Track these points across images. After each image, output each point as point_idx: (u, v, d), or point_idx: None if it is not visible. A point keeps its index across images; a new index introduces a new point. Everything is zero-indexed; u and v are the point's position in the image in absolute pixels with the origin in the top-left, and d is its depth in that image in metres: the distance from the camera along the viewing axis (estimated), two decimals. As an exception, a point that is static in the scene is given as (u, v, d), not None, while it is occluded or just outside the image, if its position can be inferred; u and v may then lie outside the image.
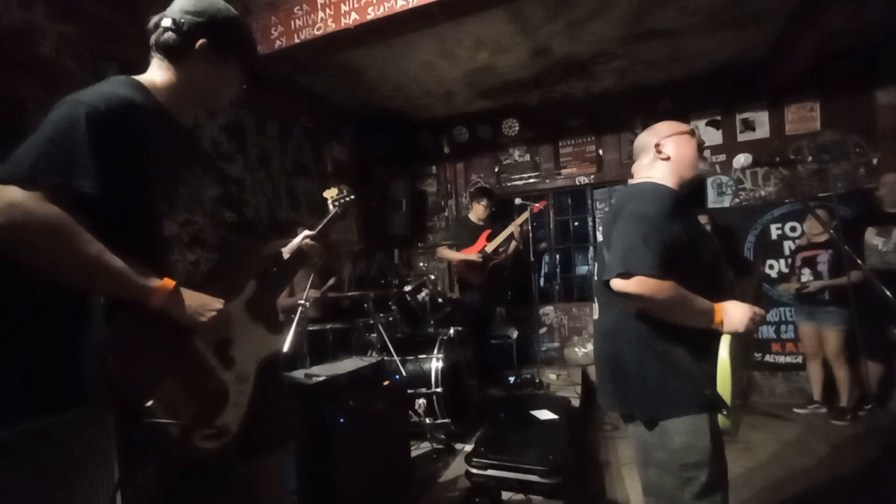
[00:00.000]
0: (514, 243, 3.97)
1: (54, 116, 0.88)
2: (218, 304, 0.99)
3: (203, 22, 1.06)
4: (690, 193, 1.42)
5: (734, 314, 1.20)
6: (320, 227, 1.47)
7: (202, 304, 0.96)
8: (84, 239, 0.84)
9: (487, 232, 3.98)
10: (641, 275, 1.15)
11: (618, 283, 1.19)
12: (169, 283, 0.91)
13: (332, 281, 3.22)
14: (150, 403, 0.85)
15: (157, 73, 1.08)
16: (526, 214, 3.92)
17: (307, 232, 1.44)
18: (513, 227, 3.89)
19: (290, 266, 1.40)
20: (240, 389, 1.05)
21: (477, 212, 4.10)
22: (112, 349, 0.88)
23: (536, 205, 3.98)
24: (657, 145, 1.39)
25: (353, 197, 1.63)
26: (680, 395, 1.22)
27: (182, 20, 1.04)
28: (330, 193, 1.60)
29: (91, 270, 0.85)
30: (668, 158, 1.38)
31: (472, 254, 3.89)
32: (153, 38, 1.07)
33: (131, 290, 0.88)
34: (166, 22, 1.05)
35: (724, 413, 1.18)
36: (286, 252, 1.41)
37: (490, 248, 3.89)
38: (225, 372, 1.03)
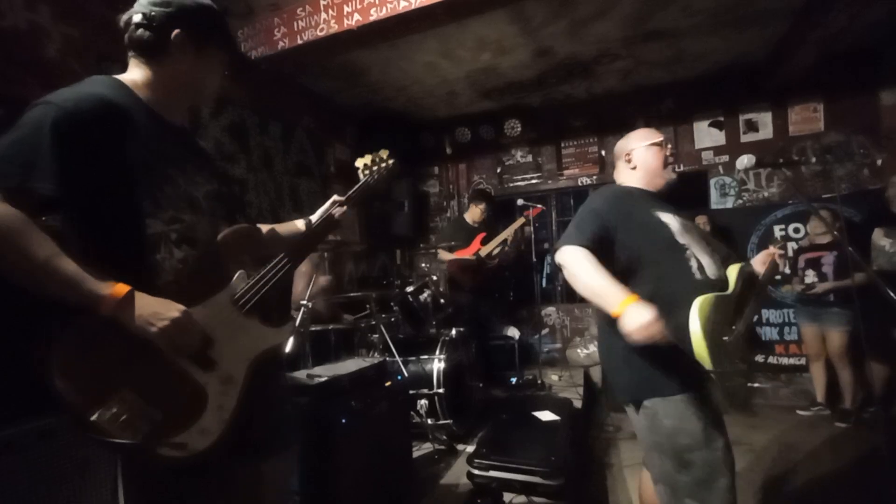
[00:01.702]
0: (506, 248, 3.96)
1: (23, 119, 0.87)
2: (174, 312, 0.90)
3: (173, 12, 1.02)
4: (691, 194, 1.45)
5: (630, 319, 1.17)
6: (351, 192, 1.37)
7: (154, 313, 0.88)
8: (35, 240, 0.81)
9: (482, 235, 3.97)
10: (563, 245, 1.33)
11: (556, 256, 1.37)
12: (120, 290, 0.86)
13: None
14: (95, 417, 0.80)
15: (136, 71, 1.05)
16: (521, 220, 3.92)
17: (336, 197, 1.37)
18: (507, 233, 3.88)
19: (319, 233, 1.33)
20: (222, 391, 0.97)
21: (473, 214, 4.10)
22: (54, 358, 0.82)
23: (531, 210, 3.99)
24: (627, 154, 1.52)
25: (391, 162, 1.49)
26: (657, 377, 1.27)
27: (152, 13, 1.01)
28: (363, 161, 1.47)
29: (40, 273, 0.82)
30: (635, 168, 1.50)
31: (465, 256, 3.89)
32: (126, 37, 1.04)
33: (80, 297, 0.83)
34: (136, 17, 1.02)
35: (711, 375, 1.19)
36: (315, 218, 1.35)
37: (484, 251, 3.89)
38: (203, 374, 0.96)
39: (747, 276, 1.42)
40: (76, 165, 0.86)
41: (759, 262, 1.55)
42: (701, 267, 1.34)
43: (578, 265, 1.29)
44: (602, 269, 1.27)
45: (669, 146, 1.53)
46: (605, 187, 1.53)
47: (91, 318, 0.86)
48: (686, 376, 1.24)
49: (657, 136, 1.52)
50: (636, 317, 1.17)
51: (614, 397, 1.47)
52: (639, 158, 1.50)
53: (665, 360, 1.25)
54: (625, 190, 1.50)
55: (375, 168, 1.46)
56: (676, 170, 1.53)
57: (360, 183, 1.41)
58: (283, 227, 1.35)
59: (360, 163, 1.47)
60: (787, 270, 3.66)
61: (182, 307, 0.92)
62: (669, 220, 1.40)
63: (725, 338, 1.25)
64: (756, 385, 3.23)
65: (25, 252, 0.81)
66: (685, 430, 1.25)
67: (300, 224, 1.37)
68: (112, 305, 0.85)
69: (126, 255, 0.91)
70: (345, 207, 1.35)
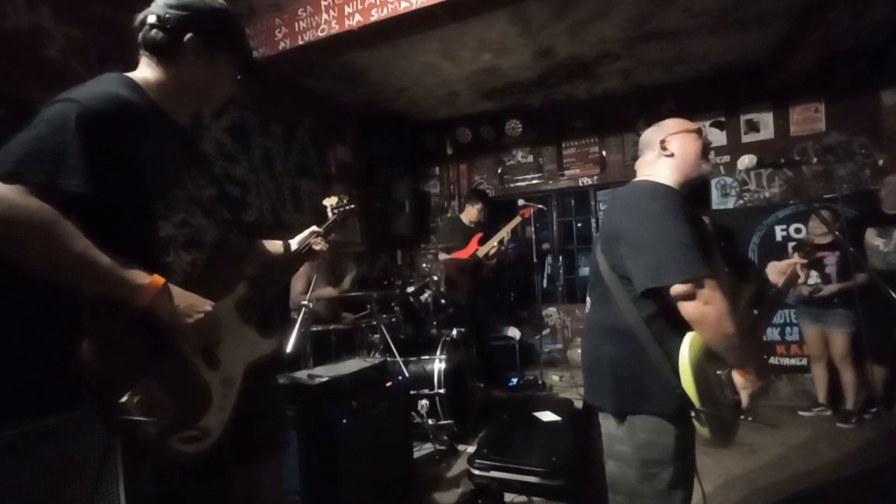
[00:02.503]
0: (503, 247, 3.95)
1: (45, 115, 0.87)
2: (207, 306, 0.95)
3: (188, 15, 1.03)
4: (692, 194, 1.40)
5: (755, 385, 1.16)
6: (324, 227, 1.52)
7: (190, 305, 0.92)
8: (70, 234, 0.82)
9: (480, 235, 3.97)
10: (708, 276, 1.11)
11: (680, 289, 1.12)
12: (158, 280, 0.88)
13: (352, 273, 3.26)
14: (124, 399, 0.83)
15: (148, 71, 1.05)
16: (517, 219, 3.92)
17: (315, 228, 1.47)
18: (503, 233, 3.88)
19: (296, 259, 1.39)
20: (224, 393, 1.01)
21: (470, 214, 4.07)
22: (87, 345, 0.86)
23: (525, 209, 3.99)
24: (662, 142, 1.37)
25: (352, 206, 1.70)
26: (644, 394, 1.22)
27: (167, 15, 1.02)
28: (330, 201, 1.68)
29: (77, 266, 0.83)
30: (672, 155, 1.36)
31: (463, 256, 3.88)
32: (140, 37, 1.05)
33: (118, 288, 0.85)
34: (151, 18, 1.02)
35: (693, 414, 1.15)
36: (294, 244, 1.42)
37: (482, 251, 3.88)
38: (209, 373, 0.99)
39: (750, 299, 1.36)
40: (100, 163, 0.86)
41: (776, 271, 1.47)
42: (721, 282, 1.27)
43: (726, 307, 1.11)
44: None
45: (706, 134, 1.41)
46: (654, 188, 1.31)
47: (116, 312, 0.88)
48: (673, 396, 1.19)
49: (693, 124, 1.40)
50: (753, 385, 1.15)
51: (593, 401, 1.39)
52: (676, 146, 1.35)
53: (656, 377, 1.21)
54: (676, 192, 1.30)
55: (342, 208, 1.66)
56: (711, 160, 1.40)
57: (331, 220, 1.62)
58: (269, 245, 1.41)
59: (328, 202, 1.68)
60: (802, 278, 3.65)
61: (211, 302, 0.96)
62: (707, 226, 1.32)
63: (719, 372, 1.20)
64: (749, 419, 3.13)
65: (61, 245, 0.81)
66: (660, 445, 1.21)
67: (279, 245, 1.43)
68: (151, 295, 0.87)
69: (139, 257, 0.91)
70: (323, 241, 1.46)
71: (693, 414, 1.15)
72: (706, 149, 1.38)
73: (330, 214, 1.64)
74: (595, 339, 1.37)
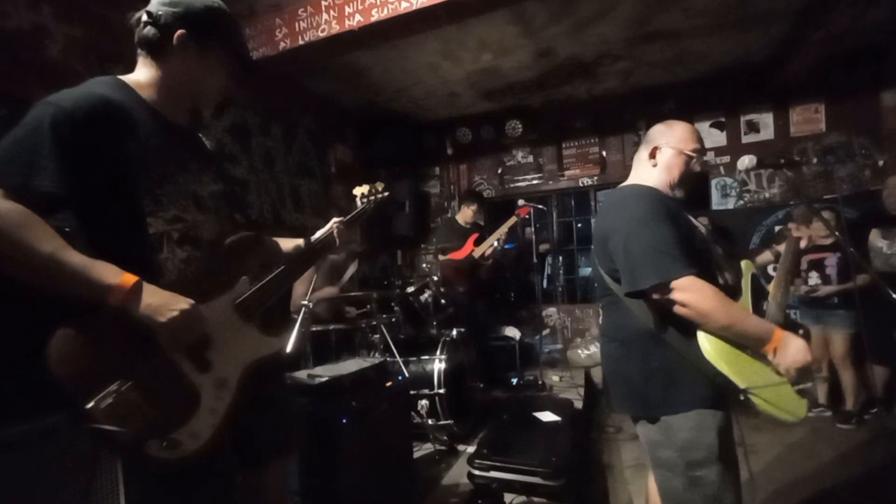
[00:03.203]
0: (499, 247, 3.95)
1: (25, 119, 0.88)
2: (183, 304, 0.90)
3: (180, 12, 1.05)
4: (691, 195, 1.40)
5: (791, 347, 1.12)
6: (350, 217, 1.46)
7: (164, 303, 0.88)
8: (40, 235, 0.82)
9: (475, 236, 3.96)
10: (682, 276, 1.10)
11: (654, 294, 1.14)
12: (128, 279, 0.86)
13: (352, 269, 3.25)
14: (90, 405, 0.80)
15: (141, 71, 1.07)
16: (512, 220, 3.91)
17: (338, 219, 1.43)
18: (499, 233, 3.88)
19: (318, 250, 1.36)
20: (216, 395, 0.97)
21: (465, 215, 4.07)
22: (54, 346, 0.83)
23: (522, 209, 3.99)
24: (656, 148, 1.36)
25: (386, 194, 1.61)
26: (677, 392, 1.20)
27: (159, 12, 1.04)
28: (360, 189, 1.60)
29: (45, 267, 0.82)
30: (655, 166, 1.36)
31: (459, 258, 3.88)
32: (135, 35, 1.07)
33: (88, 288, 0.84)
34: (144, 16, 1.05)
35: (742, 398, 1.11)
36: (315, 237, 1.39)
37: (478, 252, 3.87)
38: (198, 375, 0.95)
39: (756, 278, 1.35)
40: (76, 164, 0.87)
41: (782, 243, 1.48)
42: (724, 276, 1.27)
43: (711, 301, 1.11)
44: (732, 301, 1.14)
45: (704, 158, 1.36)
46: (631, 193, 1.32)
47: (95, 311, 0.86)
48: (706, 390, 1.17)
49: (695, 145, 1.34)
50: (794, 350, 1.11)
51: (624, 409, 1.36)
52: (663, 159, 1.34)
53: (684, 374, 1.18)
54: (658, 194, 1.30)
55: (372, 197, 1.58)
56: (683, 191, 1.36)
57: (359, 210, 1.53)
58: (285, 242, 1.38)
59: (357, 191, 1.60)
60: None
61: (191, 300, 0.93)
62: (697, 224, 1.32)
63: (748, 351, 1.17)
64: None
65: (31, 246, 0.81)
66: (701, 443, 1.18)
67: (300, 243, 1.39)
68: (122, 295, 0.85)
69: (128, 255, 0.91)
70: (343, 231, 1.40)
71: (742, 398, 1.11)
72: (688, 176, 1.35)
73: (359, 203, 1.55)
74: (614, 347, 1.34)
